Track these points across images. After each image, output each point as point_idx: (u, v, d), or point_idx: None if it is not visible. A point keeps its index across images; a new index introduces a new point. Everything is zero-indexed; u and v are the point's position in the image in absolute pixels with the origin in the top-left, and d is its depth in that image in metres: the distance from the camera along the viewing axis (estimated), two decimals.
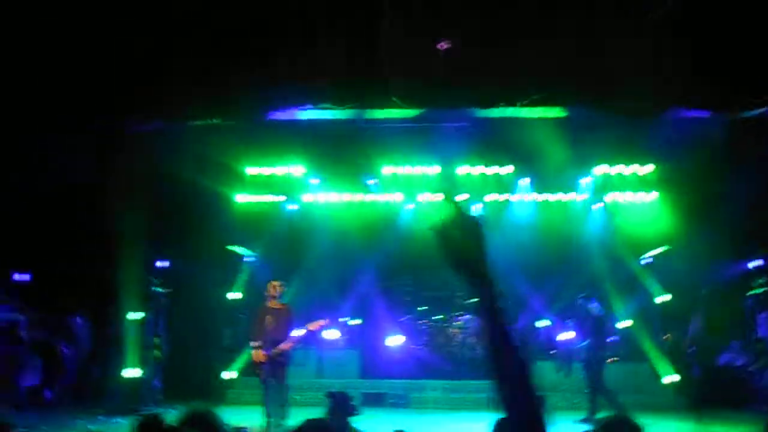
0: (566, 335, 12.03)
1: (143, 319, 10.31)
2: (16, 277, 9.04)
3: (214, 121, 9.36)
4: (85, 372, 10.80)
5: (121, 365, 9.90)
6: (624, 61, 8.28)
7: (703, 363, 10.50)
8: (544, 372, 11.39)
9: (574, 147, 11.29)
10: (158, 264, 10.73)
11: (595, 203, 13.16)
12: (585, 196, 13.13)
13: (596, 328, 9.69)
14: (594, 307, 9.88)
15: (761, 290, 10.52)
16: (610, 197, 13.05)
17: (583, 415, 9.20)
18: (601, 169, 12.52)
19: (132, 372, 9.83)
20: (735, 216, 10.31)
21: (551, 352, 12.05)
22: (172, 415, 3.43)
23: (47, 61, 8.56)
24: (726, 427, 8.37)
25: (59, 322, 10.42)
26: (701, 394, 9.12)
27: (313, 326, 8.15)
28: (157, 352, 10.49)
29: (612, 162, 12.38)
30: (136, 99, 8.84)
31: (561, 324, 12.06)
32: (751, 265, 10.86)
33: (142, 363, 10.08)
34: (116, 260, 10.18)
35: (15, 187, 8.92)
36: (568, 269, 11.71)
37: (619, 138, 11.04)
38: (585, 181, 12.85)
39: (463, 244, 1.45)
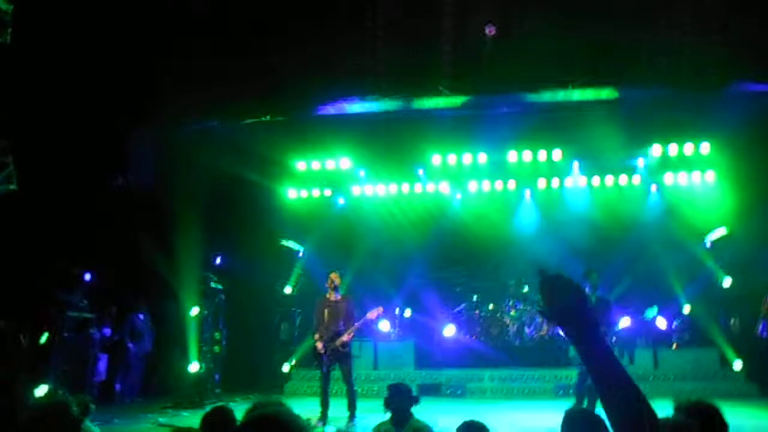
0: (626, 321, 11.72)
1: (202, 314, 10.57)
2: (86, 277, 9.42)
3: (266, 118, 9.48)
4: (151, 367, 11.16)
5: (184, 360, 10.19)
6: (681, 36, 7.97)
7: None
8: None
9: (628, 127, 10.94)
10: (215, 261, 10.97)
11: (652, 185, 12.77)
12: (640, 178, 12.75)
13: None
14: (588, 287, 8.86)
15: None
16: (667, 178, 12.63)
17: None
18: (657, 150, 12.11)
19: (194, 366, 10.12)
20: None
21: (612, 339, 11.77)
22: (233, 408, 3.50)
23: (100, 65, 8.84)
24: None
25: (123, 319, 10.81)
26: None
27: (371, 314, 8.25)
28: (216, 347, 10.75)
29: (668, 141, 11.94)
30: (191, 100, 9.06)
31: (620, 310, 11.75)
32: None
33: (203, 358, 10.35)
34: (175, 258, 10.47)
35: (80, 187, 9.28)
36: (627, 254, 11.40)
37: (674, 116, 10.64)
38: (641, 163, 12.46)
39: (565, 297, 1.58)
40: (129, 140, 9.93)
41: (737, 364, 10.60)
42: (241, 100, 9.47)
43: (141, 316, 10.96)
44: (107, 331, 10.49)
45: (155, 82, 9.30)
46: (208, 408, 3.78)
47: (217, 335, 10.77)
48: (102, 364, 10.29)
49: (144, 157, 10.44)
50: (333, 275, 8.41)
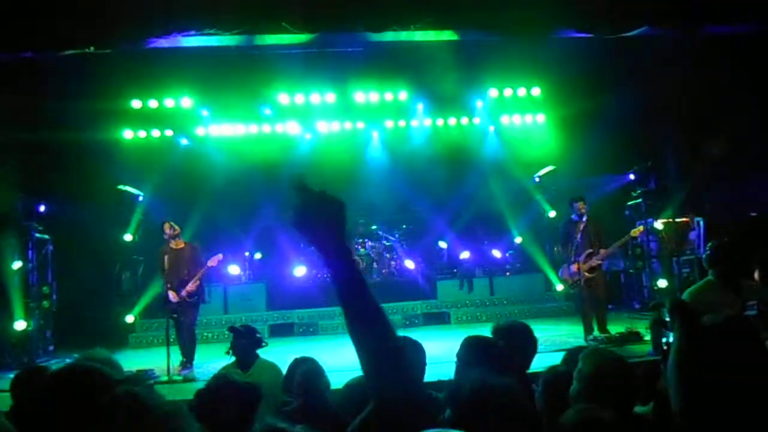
0: (466, 254, 12.61)
1: (26, 268, 9.63)
2: None
3: (89, 50, 8.52)
4: None
5: (8, 318, 9.30)
6: None
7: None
8: (448, 289, 12.00)
9: (468, 70, 11.44)
10: (39, 209, 9.94)
11: (490, 126, 13.56)
12: (479, 119, 13.47)
13: None
14: None
15: (638, 200, 11.38)
16: (503, 120, 13.48)
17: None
18: (493, 93, 12.80)
19: (19, 324, 9.26)
20: (613, 132, 10.96)
21: (453, 271, 12.63)
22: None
23: None
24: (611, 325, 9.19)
25: None
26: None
27: (212, 262, 8.04)
28: (45, 302, 9.89)
29: (503, 85, 12.66)
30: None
31: (461, 243, 12.61)
32: (631, 176, 11.66)
33: (30, 314, 9.51)
34: None
35: None
36: (468, 190, 12.14)
37: (509, 61, 11.25)
38: (479, 104, 13.13)
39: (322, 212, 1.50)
40: None
41: (559, 287, 11.85)
42: (60, 28, 8.41)
43: None
44: None
45: None
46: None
47: (45, 289, 9.89)
48: None
49: None
50: (165, 226, 7.97)
